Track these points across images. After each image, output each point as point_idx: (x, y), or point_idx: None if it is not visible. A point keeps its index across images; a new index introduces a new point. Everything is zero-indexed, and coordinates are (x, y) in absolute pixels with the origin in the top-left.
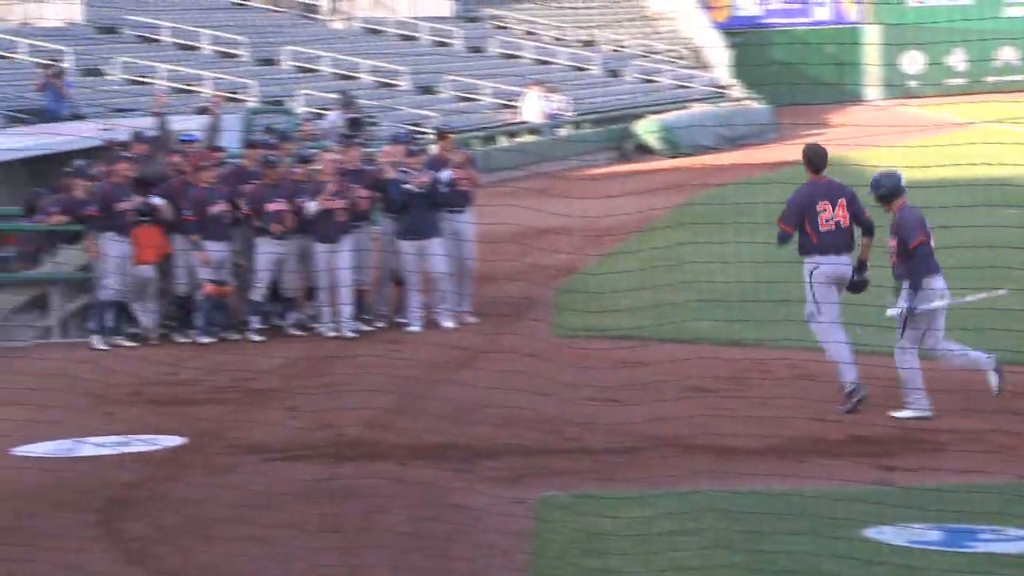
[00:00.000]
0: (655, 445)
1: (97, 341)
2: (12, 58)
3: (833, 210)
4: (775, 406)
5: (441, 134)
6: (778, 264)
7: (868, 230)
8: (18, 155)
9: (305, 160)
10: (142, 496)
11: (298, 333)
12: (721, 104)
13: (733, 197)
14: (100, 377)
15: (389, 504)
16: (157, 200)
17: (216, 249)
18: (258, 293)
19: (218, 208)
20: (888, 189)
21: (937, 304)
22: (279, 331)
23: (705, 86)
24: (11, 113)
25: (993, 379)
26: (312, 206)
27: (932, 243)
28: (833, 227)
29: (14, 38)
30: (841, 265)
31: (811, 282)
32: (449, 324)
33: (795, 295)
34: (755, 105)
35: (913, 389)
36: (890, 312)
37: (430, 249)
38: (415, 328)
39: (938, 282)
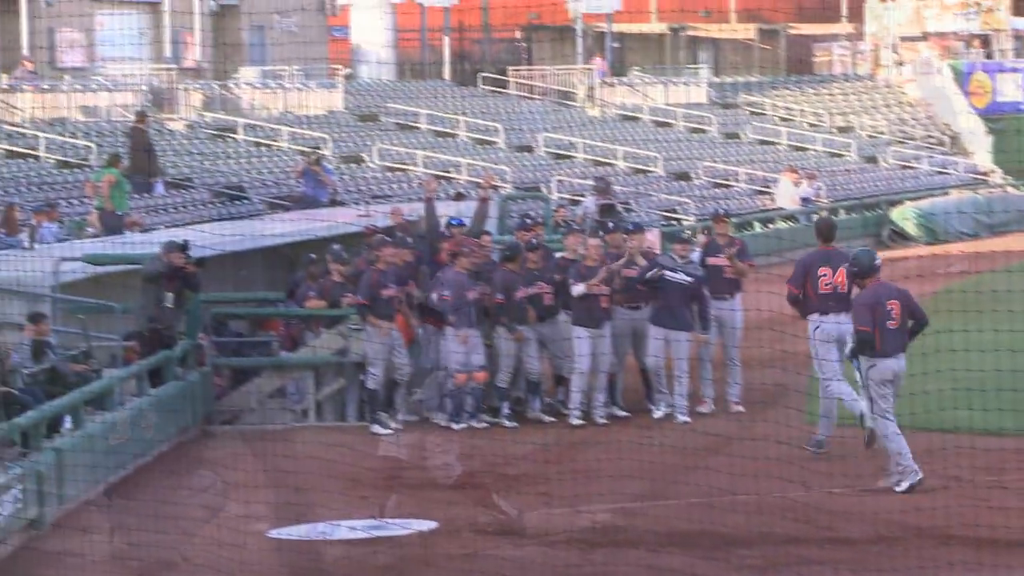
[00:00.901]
0: (911, 535)
1: (376, 428)
2: (274, 145)
3: (833, 275)
4: None
5: (717, 217)
6: None
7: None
8: (279, 241)
9: (533, 248)
10: None
11: (548, 419)
12: (981, 190)
13: (991, 284)
14: (355, 460)
15: None
16: (434, 297)
17: (467, 335)
18: (502, 379)
19: (472, 295)
20: (862, 267)
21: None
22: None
23: (964, 172)
24: (273, 199)
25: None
26: (579, 289)
27: (895, 325)
28: (831, 291)
29: (276, 126)
30: (841, 324)
31: (814, 339)
32: (684, 418)
33: None
34: (1016, 192)
35: (902, 457)
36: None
37: (677, 339)
38: (664, 414)
39: (890, 364)
